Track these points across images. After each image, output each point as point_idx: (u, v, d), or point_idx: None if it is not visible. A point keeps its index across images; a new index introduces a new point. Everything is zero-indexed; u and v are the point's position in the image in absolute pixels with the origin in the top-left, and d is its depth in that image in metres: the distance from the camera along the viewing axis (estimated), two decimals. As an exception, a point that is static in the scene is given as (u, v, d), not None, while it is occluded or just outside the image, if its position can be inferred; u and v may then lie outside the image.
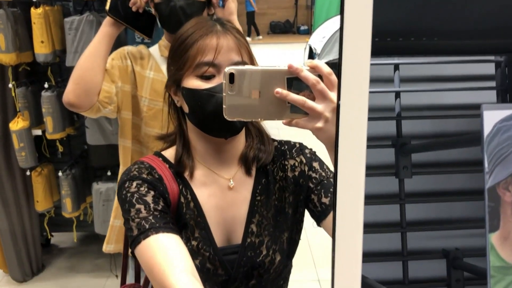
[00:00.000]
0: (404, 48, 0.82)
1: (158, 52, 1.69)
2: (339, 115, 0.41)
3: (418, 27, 0.81)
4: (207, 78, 0.96)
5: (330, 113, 0.72)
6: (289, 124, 0.75)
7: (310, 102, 0.72)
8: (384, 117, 0.91)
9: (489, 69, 1.02)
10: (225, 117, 0.75)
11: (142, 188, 0.97)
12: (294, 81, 0.73)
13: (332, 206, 0.43)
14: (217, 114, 0.93)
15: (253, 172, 1.07)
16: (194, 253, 0.99)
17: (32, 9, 2.38)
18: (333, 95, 0.72)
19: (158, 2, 1.54)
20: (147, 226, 0.91)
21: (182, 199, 1.02)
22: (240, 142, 1.06)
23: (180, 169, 1.03)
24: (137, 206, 0.94)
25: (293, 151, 1.10)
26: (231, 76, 0.73)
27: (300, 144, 1.13)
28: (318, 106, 0.72)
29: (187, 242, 0.99)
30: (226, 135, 1.00)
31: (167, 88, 1.05)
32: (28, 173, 2.69)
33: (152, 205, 0.94)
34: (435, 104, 1.07)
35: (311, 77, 0.72)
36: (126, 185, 0.98)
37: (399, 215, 1.04)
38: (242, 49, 0.98)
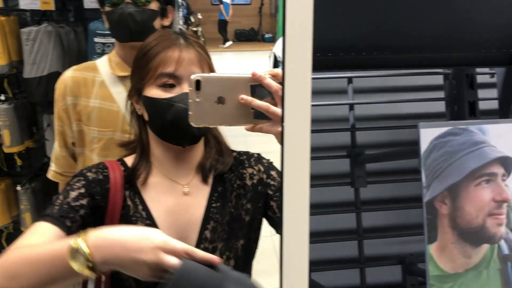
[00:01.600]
0: (356, 63, 0.85)
1: (108, 68, 1.56)
2: (283, 133, 0.42)
3: (369, 43, 0.84)
4: (167, 88, 0.99)
5: None
6: (252, 129, 0.78)
7: (273, 108, 0.75)
8: (338, 128, 0.94)
9: (439, 79, 1.06)
10: (191, 123, 0.76)
11: (77, 184, 1.02)
12: (258, 88, 0.77)
13: (280, 218, 0.44)
14: (175, 122, 0.97)
15: (210, 180, 1.09)
16: None
17: (-13, 20, 2.32)
18: None
19: (108, 11, 1.50)
20: (46, 212, 0.97)
21: (129, 202, 1.04)
22: (198, 151, 1.09)
23: (132, 175, 1.06)
24: (61, 195, 1.00)
25: (251, 160, 1.13)
26: (197, 83, 0.75)
27: (258, 154, 1.16)
28: (280, 111, 0.74)
29: None
30: (184, 143, 1.03)
31: (130, 96, 1.09)
32: (-16, 188, 2.61)
33: (69, 199, 0.99)
34: (388, 114, 1.11)
35: (274, 84, 0.76)
36: (72, 178, 1.05)
37: (355, 223, 1.07)
38: (203, 62, 1.03)
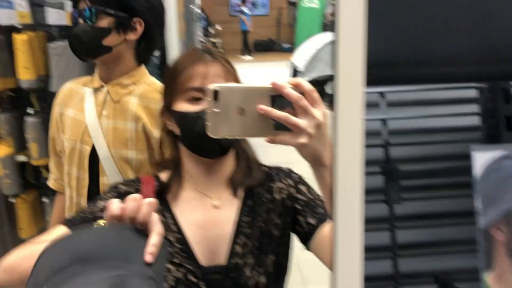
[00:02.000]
0: (389, 78, 0.83)
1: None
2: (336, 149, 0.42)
3: (402, 57, 0.83)
4: (195, 101, 1.02)
5: (313, 129, 0.74)
6: (272, 141, 0.76)
7: (293, 118, 0.74)
8: (372, 144, 0.93)
9: (473, 92, 1.04)
10: (209, 134, 0.75)
11: (108, 194, 1.08)
12: (277, 98, 0.75)
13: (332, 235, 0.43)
14: (204, 135, 0.97)
15: (241, 194, 1.09)
16: (177, 266, 1.04)
17: (15, 35, 2.37)
18: (315, 111, 0.74)
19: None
20: (69, 217, 1.06)
21: (160, 217, 1.05)
22: (228, 164, 1.10)
23: (163, 189, 1.09)
24: (90, 203, 1.08)
25: (281, 174, 1.13)
26: (216, 93, 0.74)
27: (289, 169, 1.16)
28: (301, 121, 0.74)
29: (171, 255, 1.04)
30: (212, 155, 1.06)
31: (161, 114, 1.12)
32: (13, 200, 2.65)
33: (94, 208, 1.05)
34: (422, 127, 1.09)
35: (294, 94, 0.74)
36: (107, 189, 1.13)
37: (388, 239, 1.05)
38: (229, 76, 1.05)
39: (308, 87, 0.75)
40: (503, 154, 0.53)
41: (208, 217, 1.08)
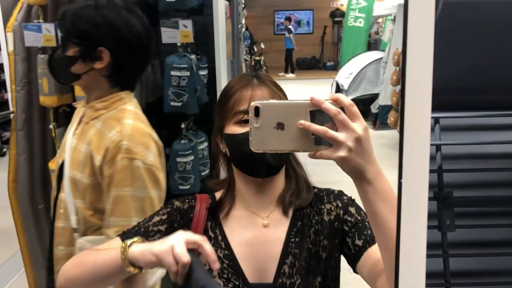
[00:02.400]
0: (445, 104, 0.83)
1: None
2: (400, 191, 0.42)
3: (459, 84, 0.83)
4: (243, 123, 1.06)
5: (353, 142, 0.74)
6: (313, 156, 0.77)
7: (332, 132, 0.74)
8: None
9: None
10: (251, 148, 0.78)
11: (163, 210, 1.14)
12: (317, 114, 0.76)
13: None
14: (252, 154, 1.00)
15: (290, 214, 1.10)
16: (225, 281, 1.07)
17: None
18: (354, 125, 0.74)
19: None
20: (125, 230, 1.12)
21: (210, 233, 1.11)
22: (279, 184, 1.13)
23: (215, 207, 1.13)
24: (147, 218, 1.14)
25: (331, 196, 1.14)
26: (257, 110, 0.76)
27: (340, 191, 1.16)
28: (340, 135, 0.74)
29: (218, 272, 1.07)
30: (262, 174, 1.07)
31: (214, 136, 1.16)
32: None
33: (150, 223, 1.11)
34: (475, 153, 1.07)
35: (333, 108, 0.75)
36: (164, 204, 1.20)
37: (441, 265, 1.03)
38: (276, 97, 1.09)
39: (347, 101, 0.76)
40: None
41: (257, 235, 1.09)
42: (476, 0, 0.45)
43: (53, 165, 2.64)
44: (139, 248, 0.93)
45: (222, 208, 1.12)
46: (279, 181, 1.13)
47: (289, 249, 1.07)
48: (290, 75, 15.39)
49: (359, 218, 1.08)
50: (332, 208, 1.11)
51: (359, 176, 0.77)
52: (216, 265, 0.88)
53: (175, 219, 1.11)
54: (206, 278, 0.85)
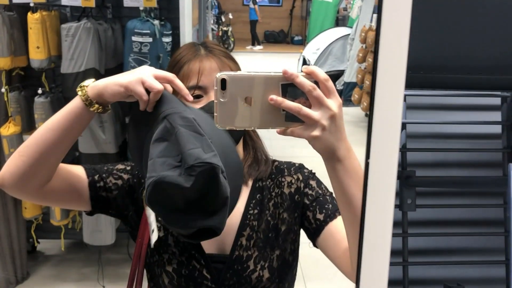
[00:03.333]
0: (413, 81, 0.81)
1: None
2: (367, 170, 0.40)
3: (427, 62, 0.81)
4: (195, 99, 0.99)
5: (327, 120, 0.70)
6: (283, 133, 0.73)
7: (306, 109, 0.69)
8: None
9: (496, 100, 1.02)
10: (216, 125, 0.71)
11: (127, 162, 1.11)
12: (289, 88, 0.70)
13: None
14: None
15: (249, 185, 1.08)
16: (182, 250, 1.04)
17: (29, 14, 2.35)
18: (330, 102, 0.70)
19: None
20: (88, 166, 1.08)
21: None
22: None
23: None
24: (109, 164, 1.11)
25: (292, 169, 1.11)
26: (223, 82, 0.70)
27: (300, 164, 1.14)
28: (314, 113, 0.70)
29: (176, 238, 1.05)
30: None
31: None
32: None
33: (113, 167, 1.08)
34: (439, 133, 1.07)
35: (307, 83, 0.70)
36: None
37: (399, 244, 1.03)
38: (226, 69, 1.02)
39: (323, 75, 0.71)
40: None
41: None
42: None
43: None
44: (102, 82, 0.87)
45: None
46: (238, 151, 1.09)
47: (247, 221, 1.06)
48: (258, 47, 15.22)
49: (320, 192, 1.07)
50: (293, 181, 1.09)
51: (330, 154, 0.73)
52: (190, 98, 0.87)
53: (136, 174, 1.07)
54: (182, 105, 0.83)
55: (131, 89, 0.83)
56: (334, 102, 0.71)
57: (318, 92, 0.70)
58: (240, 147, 1.10)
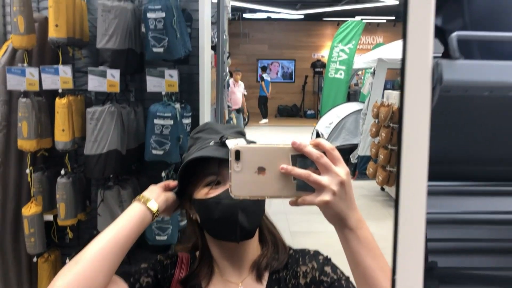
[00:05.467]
0: (434, 174, 0.83)
1: None
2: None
3: (443, 156, 0.84)
4: (213, 186, 1.01)
5: (337, 186, 0.72)
6: (295, 203, 0.75)
7: (315, 176, 0.72)
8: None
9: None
10: (231, 195, 0.74)
11: (147, 261, 1.10)
12: (299, 158, 0.74)
13: None
14: (225, 218, 0.99)
15: (266, 278, 1.07)
16: None
17: (57, 99, 2.47)
18: (337, 169, 0.73)
19: None
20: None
21: None
22: (253, 248, 1.09)
23: (193, 278, 1.08)
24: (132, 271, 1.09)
25: (306, 257, 1.11)
26: (237, 154, 0.74)
27: (315, 251, 1.14)
28: (323, 179, 0.72)
29: None
30: (237, 238, 1.02)
31: (184, 204, 1.11)
32: (35, 259, 2.64)
33: (137, 272, 1.06)
34: (459, 219, 1.07)
35: (315, 152, 0.73)
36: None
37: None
38: None
39: (328, 145, 0.75)
40: None
41: None
42: (469, 95, 0.46)
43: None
44: (161, 200, 1.04)
45: (200, 275, 1.08)
46: (253, 245, 1.09)
47: None
48: (263, 121, 15.49)
49: (335, 277, 1.06)
50: (308, 270, 1.08)
51: (341, 222, 0.75)
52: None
53: (158, 269, 1.08)
54: None
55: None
56: (341, 169, 0.74)
57: (325, 159, 0.73)
58: (256, 240, 1.10)
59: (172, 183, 1.08)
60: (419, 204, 0.47)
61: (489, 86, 0.48)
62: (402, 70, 0.37)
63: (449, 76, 0.45)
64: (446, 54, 0.47)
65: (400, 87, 0.38)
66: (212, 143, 1.01)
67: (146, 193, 1.02)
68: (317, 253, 1.13)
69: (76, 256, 0.90)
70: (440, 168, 0.83)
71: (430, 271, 0.86)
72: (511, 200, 1.10)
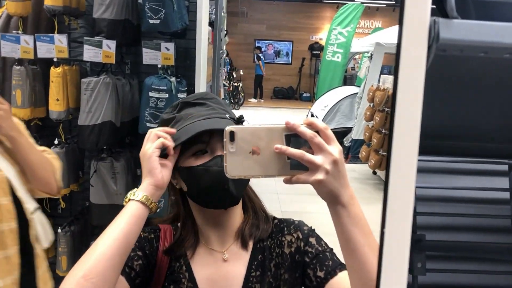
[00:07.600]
0: (425, 148, 0.84)
1: None
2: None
3: (440, 131, 0.84)
4: (199, 155, 1.01)
5: (330, 165, 0.73)
6: (289, 181, 0.76)
7: (308, 155, 0.73)
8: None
9: (503, 167, 1.05)
10: (226, 175, 0.76)
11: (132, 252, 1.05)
12: (292, 138, 0.75)
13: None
14: (213, 186, 0.99)
15: (250, 246, 1.08)
16: None
17: (52, 68, 2.45)
18: (331, 148, 0.74)
19: None
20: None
21: (175, 263, 1.07)
22: (237, 215, 1.10)
23: (181, 241, 1.08)
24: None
25: (291, 227, 1.12)
26: (232, 134, 0.75)
27: (300, 221, 1.15)
28: (317, 158, 0.73)
29: None
30: (225, 204, 1.03)
31: None
32: (26, 227, 2.65)
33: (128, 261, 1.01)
34: (448, 196, 1.09)
35: (308, 131, 0.74)
36: None
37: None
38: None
39: (322, 125, 0.76)
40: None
41: (218, 271, 1.07)
42: (467, 55, 0.47)
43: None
44: (151, 192, 0.95)
45: (185, 244, 1.08)
46: (237, 213, 1.10)
47: (250, 284, 1.05)
48: (252, 100, 15.46)
49: (320, 248, 1.07)
50: (293, 239, 1.09)
51: (334, 200, 0.76)
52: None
53: (145, 246, 1.07)
54: None
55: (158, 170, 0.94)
56: (334, 148, 0.75)
57: (319, 139, 0.75)
58: (239, 207, 1.11)
59: (170, 130, 0.99)
60: (410, 164, 0.47)
61: (485, 47, 0.48)
62: (400, 27, 0.37)
63: (446, 34, 0.45)
64: (441, 14, 0.48)
65: (397, 46, 0.39)
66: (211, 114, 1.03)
67: (147, 193, 0.95)
68: (302, 223, 1.14)
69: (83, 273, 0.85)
70: (432, 143, 0.84)
71: (419, 243, 0.88)
72: (499, 179, 1.12)
